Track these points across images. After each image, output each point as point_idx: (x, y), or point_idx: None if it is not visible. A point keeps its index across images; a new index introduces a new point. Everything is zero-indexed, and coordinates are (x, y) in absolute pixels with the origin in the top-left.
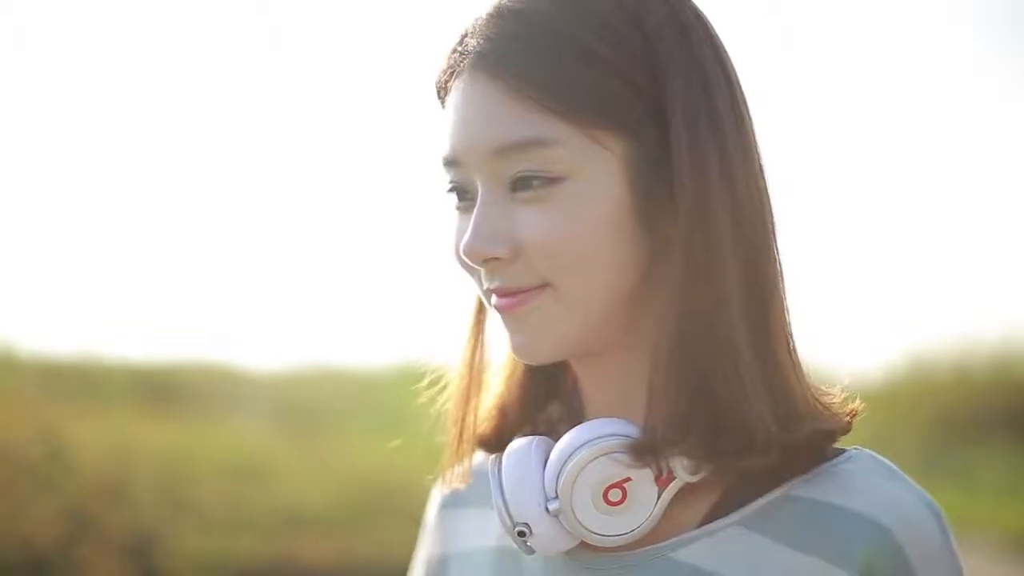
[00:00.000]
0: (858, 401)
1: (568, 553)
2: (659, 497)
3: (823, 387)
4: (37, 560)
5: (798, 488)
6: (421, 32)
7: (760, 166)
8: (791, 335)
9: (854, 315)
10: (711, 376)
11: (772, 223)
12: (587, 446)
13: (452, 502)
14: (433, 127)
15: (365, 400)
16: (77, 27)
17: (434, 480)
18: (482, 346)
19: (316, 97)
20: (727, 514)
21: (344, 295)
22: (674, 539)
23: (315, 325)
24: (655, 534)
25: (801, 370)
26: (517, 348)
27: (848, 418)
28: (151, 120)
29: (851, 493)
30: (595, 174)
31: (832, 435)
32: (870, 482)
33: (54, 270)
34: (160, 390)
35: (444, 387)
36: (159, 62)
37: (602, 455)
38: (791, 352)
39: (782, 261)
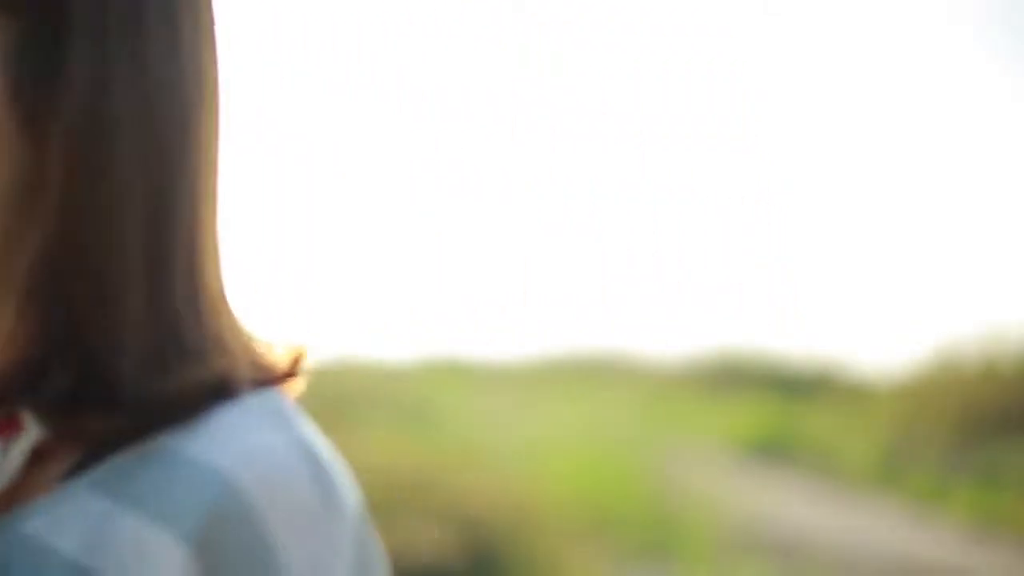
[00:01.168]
0: (303, 354)
1: None
2: (3, 452)
3: (251, 335)
4: None
5: (163, 440)
6: (423, 32)
7: (199, 74)
8: (203, 266)
9: (881, 309)
10: (80, 310)
11: (207, 143)
12: None
13: None
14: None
15: (387, 394)
16: None
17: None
18: None
19: (321, 96)
20: (83, 473)
21: (366, 288)
22: (23, 507)
23: (336, 318)
24: (13, 500)
25: (206, 306)
26: None
27: (275, 368)
28: None
29: (210, 441)
30: None
31: (225, 383)
32: (239, 427)
33: None
34: None
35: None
36: None
37: None
38: (197, 284)
39: (216, 186)
